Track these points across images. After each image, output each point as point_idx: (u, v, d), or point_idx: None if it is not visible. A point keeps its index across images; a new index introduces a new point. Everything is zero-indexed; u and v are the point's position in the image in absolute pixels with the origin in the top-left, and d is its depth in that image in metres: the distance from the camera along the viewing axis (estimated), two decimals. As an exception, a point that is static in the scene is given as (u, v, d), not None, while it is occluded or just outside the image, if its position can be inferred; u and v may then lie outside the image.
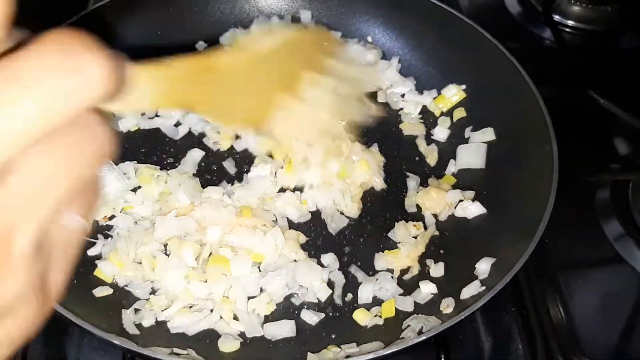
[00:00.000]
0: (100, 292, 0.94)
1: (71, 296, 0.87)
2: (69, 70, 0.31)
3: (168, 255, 0.97)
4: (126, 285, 0.96)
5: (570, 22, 1.44)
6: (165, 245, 0.99)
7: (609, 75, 1.31)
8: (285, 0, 1.28)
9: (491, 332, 0.97)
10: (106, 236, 1.00)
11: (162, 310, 0.92)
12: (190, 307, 0.93)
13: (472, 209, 1.05)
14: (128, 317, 0.91)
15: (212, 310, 0.93)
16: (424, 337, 0.81)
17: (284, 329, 0.92)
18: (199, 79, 0.56)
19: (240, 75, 0.65)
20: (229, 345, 0.90)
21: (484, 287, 0.90)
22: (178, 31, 1.24)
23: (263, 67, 0.70)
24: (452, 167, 1.12)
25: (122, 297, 0.95)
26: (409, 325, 0.90)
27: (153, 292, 0.95)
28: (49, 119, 0.31)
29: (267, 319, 0.94)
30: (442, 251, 1.02)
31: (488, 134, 1.13)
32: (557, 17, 1.42)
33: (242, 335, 0.92)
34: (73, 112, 0.32)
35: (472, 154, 1.12)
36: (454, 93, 1.18)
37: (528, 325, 0.97)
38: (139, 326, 0.91)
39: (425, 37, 1.22)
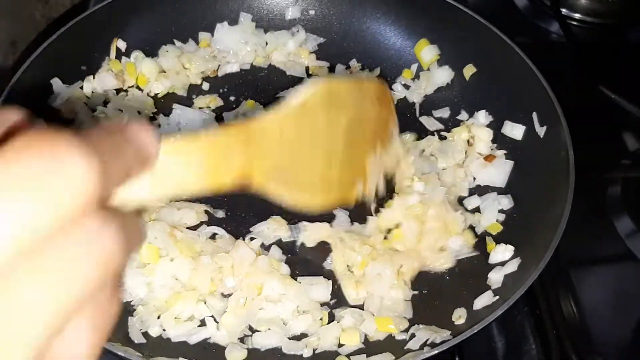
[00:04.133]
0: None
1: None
2: (47, 181, 0.26)
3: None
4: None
5: (577, 16, 1.36)
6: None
7: (618, 69, 1.24)
8: (294, -3, 1.21)
9: (504, 332, 0.90)
10: None
11: (157, 318, 0.85)
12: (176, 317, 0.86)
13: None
14: (134, 325, 0.84)
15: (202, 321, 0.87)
16: (436, 351, 0.75)
17: (272, 340, 0.86)
18: (248, 149, 0.45)
19: (298, 137, 0.54)
20: (236, 354, 0.83)
21: (497, 297, 0.83)
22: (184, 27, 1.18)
23: (323, 125, 0.59)
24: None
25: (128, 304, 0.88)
26: (414, 335, 0.83)
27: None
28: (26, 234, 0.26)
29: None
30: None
31: (517, 129, 1.03)
32: (564, 11, 1.35)
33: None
34: (57, 222, 0.26)
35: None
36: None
37: (541, 325, 0.91)
38: (145, 334, 0.84)
39: (437, 35, 1.13)
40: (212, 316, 0.87)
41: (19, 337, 0.26)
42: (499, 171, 1.01)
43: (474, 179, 1.03)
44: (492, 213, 0.98)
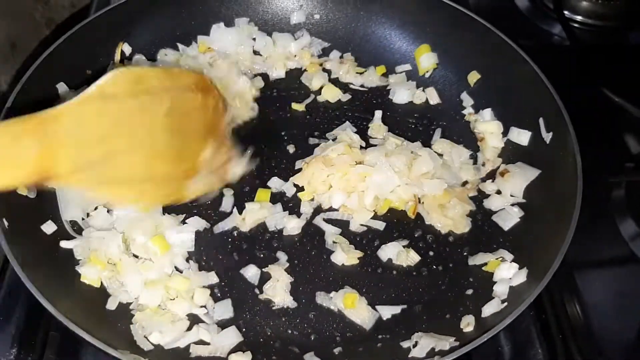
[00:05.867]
0: (112, 304, 0.87)
1: (83, 310, 0.82)
2: None
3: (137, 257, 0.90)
4: (107, 289, 0.88)
5: (579, 18, 1.35)
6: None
7: (620, 71, 1.23)
8: (299, 2, 1.20)
9: (511, 336, 0.89)
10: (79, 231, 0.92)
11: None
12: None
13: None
14: (137, 332, 0.83)
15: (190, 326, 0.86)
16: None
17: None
18: (45, 138, 0.44)
19: (109, 126, 0.54)
20: (240, 358, 0.83)
21: (505, 304, 0.83)
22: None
23: (136, 115, 0.58)
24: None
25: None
26: (416, 342, 0.82)
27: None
28: None
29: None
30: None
31: (523, 135, 1.03)
32: (566, 13, 1.34)
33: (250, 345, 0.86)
34: None
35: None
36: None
37: (547, 329, 0.91)
38: (149, 340, 0.83)
39: (442, 39, 1.13)
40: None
41: None
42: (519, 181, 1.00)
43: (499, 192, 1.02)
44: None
